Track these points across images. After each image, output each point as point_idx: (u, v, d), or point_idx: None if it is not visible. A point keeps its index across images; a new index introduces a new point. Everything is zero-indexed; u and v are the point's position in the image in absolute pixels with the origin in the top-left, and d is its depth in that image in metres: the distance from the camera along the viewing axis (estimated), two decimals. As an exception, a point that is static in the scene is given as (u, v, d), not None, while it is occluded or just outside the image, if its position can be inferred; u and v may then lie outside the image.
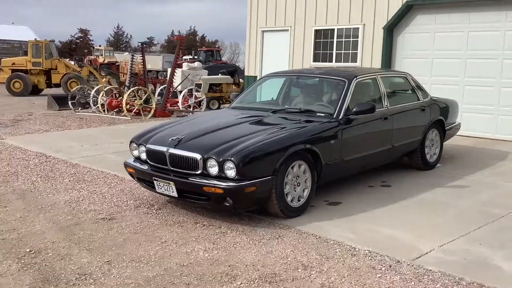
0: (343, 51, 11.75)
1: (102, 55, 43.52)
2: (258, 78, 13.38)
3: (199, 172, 4.84)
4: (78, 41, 76.11)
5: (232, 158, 4.66)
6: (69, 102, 14.93)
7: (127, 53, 42.68)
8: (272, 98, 7.10)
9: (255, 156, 4.74)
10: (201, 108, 15.11)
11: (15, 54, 36.85)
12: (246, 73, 14.17)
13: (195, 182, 4.79)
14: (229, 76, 17.49)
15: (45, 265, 4.06)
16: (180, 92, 15.04)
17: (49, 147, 8.84)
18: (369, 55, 11.23)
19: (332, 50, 11.93)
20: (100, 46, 50.03)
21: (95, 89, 14.84)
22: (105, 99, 14.20)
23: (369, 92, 6.39)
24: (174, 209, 5.43)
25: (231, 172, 4.70)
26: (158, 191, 5.18)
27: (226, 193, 4.65)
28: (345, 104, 5.74)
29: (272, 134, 5.09)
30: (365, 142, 5.99)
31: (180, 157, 4.94)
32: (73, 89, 16.40)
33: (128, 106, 13.33)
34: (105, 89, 14.55)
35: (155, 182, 5.12)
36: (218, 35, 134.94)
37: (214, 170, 4.78)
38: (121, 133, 10.50)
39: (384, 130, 6.24)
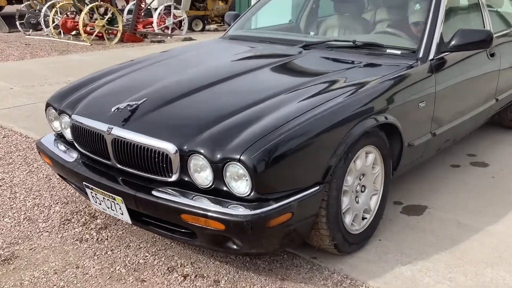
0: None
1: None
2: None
3: (173, 179, 2.35)
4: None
5: (242, 156, 2.16)
6: (17, 23, 11.97)
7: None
8: (290, 21, 4.48)
9: (289, 150, 2.25)
10: (181, 30, 12.29)
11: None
12: (238, -15, 11.27)
13: (165, 203, 2.30)
14: (215, -11, 14.47)
15: None
16: (155, 9, 12.10)
17: (-37, 91, 6.20)
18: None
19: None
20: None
21: (47, 4, 11.78)
22: (59, 18, 11.24)
23: (464, 13, 3.79)
24: (130, 229, 2.99)
25: (240, 185, 2.22)
26: (95, 206, 2.71)
27: (232, 230, 2.19)
28: (436, 33, 3.17)
29: (316, 98, 2.56)
30: (464, 98, 3.49)
31: (135, 147, 2.42)
32: (22, 5, 13.29)
33: (88, 28, 10.47)
34: (59, 5, 11.51)
35: (88, 191, 2.63)
36: None
37: (204, 177, 2.29)
38: (72, 67, 7.80)
39: (489, 75, 3.72)
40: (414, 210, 3.22)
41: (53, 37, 11.13)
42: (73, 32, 11.03)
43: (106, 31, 10.51)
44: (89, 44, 10.15)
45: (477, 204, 3.31)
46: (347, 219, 2.62)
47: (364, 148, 2.62)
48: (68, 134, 2.88)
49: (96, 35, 10.43)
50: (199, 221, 2.22)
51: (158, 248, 2.78)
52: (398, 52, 3.14)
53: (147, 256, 2.71)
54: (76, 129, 2.72)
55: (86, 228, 3.00)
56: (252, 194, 2.19)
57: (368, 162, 2.69)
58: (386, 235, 2.91)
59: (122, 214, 2.50)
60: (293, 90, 2.65)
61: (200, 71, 3.00)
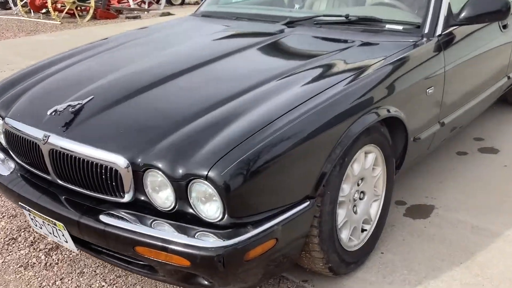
0: None
1: None
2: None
3: (126, 199, 1.87)
4: None
5: (210, 172, 1.67)
6: (-16, 1, 11.27)
7: None
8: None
9: (272, 159, 1.76)
10: (159, 4, 11.63)
11: None
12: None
13: (115, 232, 1.82)
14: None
15: None
16: (130, -17, 11.42)
17: None
18: None
19: None
20: None
21: (14, -19, 11.07)
22: (28, -5, 10.54)
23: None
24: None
25: (209, 208, 1.74)
26: (36, 230, 2.22)
27: (199, 266, 1.72)
28: (444, 4, 2.67)
29: (305, 89, 2.07)
30: (475, 79, 3.02)
31: (77, 160, 1.92)
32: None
33: (58, 5, 9.80)
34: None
35: (25, 213, 2.14)
36: None
37: (164, 197, 1.81)
38: (39, 49, 7.21)
39: (502, 50, 3.24)
40: (419, 211, 2.78)
41: (22, 16, 10.45)
42: (43, 10, 10.36)
43: (77, 8, 9.85)
44: (60, 22, 9.50)
45: (491, 200, 2.87)
46: (344, 235, 2.17)
47: (363, 148, 2.15)
48: (3, 140, 2.37)
49: (66, 13, 9.77)
50: (158, 255, 1.75)
51: (117, 275, 2.31)
52: (400, 27, 2.64)
53: (103, 286, 2.25)
54: (10, 135, 2.21)
55: (33, 249, 2.53)
56: (224, 219, 1.72)
57: (367, 164, 2.23)
58: (389, 246, 2.47)
59: (66, 241, 2.02)
60: (275, 80, 2.15)
61: (162, 59, 2.49)
